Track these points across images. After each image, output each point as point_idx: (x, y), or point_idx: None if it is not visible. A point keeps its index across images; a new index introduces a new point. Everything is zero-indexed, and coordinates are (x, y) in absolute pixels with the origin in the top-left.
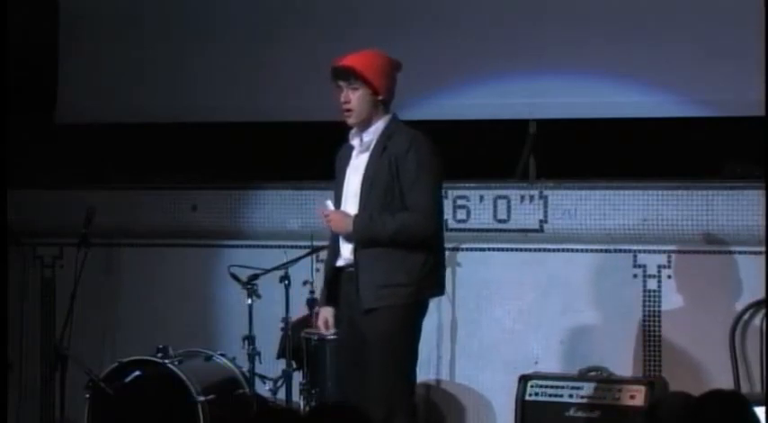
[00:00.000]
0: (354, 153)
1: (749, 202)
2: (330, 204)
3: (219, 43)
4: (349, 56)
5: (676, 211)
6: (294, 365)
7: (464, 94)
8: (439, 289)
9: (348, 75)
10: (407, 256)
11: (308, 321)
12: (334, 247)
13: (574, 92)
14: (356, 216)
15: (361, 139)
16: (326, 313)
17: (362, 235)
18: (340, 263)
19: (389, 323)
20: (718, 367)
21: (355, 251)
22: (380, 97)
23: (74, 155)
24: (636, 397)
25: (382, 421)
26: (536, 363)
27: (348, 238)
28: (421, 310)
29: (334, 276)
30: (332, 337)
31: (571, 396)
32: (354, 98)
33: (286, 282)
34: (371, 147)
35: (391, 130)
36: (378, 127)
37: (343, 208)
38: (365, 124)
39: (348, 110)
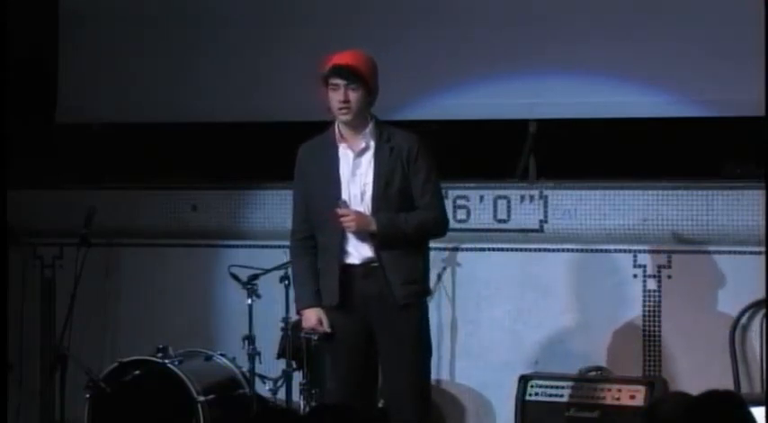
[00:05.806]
0: (347, 155)
1: (749, 202)
2: (347, 203)
3: (219, 43)
4: (346, 55)
5: (676, 211)
6: (294, 365)
7: (464, 94)
8: None
9: (350, 74)
10: (420, 255)
11: None
12: (331, 246)
13: (574, 92)
14: (377, 214)
15: (350, 142)
16: (317, 313)
17: (387, 232)
18: (353, 260)
19: (419, 318)
20: (718, 367)
21: (378, 248)
22: (372, 99)
23: (74, 155)
24: (636, 397)
25: (418, 412)
26: (536, 363)
27: (370, 237)
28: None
29: (344, 275)
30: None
31: (571, 396)
32: (354, 98)
33: (286, 282)
34: (373, 148)
35: (385, 131)
36: (370, 128)
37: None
38: (358, 126)
39: (346, 108)
